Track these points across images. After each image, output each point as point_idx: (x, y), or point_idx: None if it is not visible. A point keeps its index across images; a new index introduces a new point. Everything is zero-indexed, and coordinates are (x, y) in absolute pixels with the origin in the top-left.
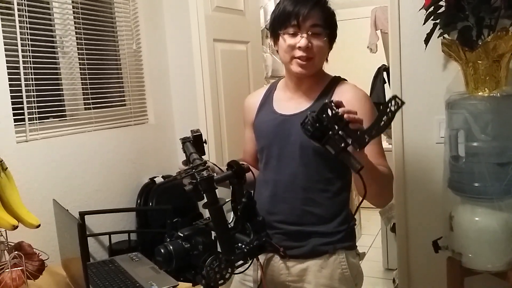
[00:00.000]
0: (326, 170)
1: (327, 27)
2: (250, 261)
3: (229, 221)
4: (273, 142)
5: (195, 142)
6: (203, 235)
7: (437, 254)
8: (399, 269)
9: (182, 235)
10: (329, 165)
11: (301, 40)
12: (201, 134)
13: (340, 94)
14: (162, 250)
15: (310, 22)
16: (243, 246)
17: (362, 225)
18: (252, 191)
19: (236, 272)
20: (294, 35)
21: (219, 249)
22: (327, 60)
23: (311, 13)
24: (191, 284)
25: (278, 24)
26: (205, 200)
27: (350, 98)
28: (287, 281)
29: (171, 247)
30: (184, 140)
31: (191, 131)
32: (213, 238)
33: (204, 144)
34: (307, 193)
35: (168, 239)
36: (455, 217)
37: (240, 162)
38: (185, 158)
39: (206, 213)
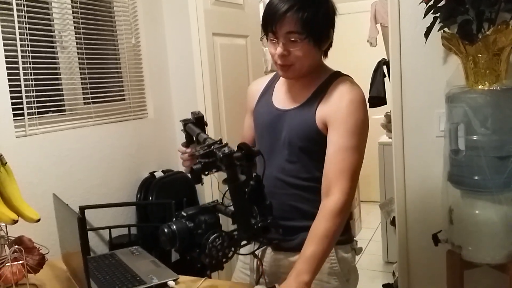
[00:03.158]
0: (314, 169)
1: (307, 32)
2: (257, 246)
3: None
4: (265, 135)
5: (197, 124)
6: (207, 214)
7: (437, 247)
8: (399, 262)
9: (185, 214)
10: (317, 164)
11: (277, 49)
12: (203, 116)
13: (329, 95)
14: (166, 230)
15: (285, 29)
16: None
17: (362, 219)
18: (262, 174)
19: (240, 253)
20: (273, 42)
21: (223, 229)
22: (326, 55)
23: (285, 19)
24: (192, 277)
25: (263, 28)
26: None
27: (336, 101)
28: (279, 272)
29: (174, 227)
30: (185, 122)
31: (192, 113)
32: (217, 217)
33: (205, 126)
34: (295, 190)
35: (174, 219)
36: (454, 211)
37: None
38: (184, 141)
39: None
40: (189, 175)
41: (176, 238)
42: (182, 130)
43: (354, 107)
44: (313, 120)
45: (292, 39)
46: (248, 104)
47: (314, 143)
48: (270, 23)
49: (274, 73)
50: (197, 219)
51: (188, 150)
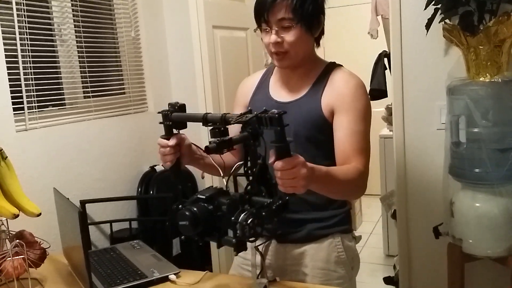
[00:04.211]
0: (321, 158)
1: (298, 18)
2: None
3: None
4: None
5: (183, 112)
6: (225, 195)
7: (437, 240)
8: (400, 256)
9: (203, 197)
10: (324, 153)
11: (271, 36)
12: (184, 104)
13: (333, 83)
14: (187, 213)
15: (277, 16)
16: (268, 204)
17: (363, 212)
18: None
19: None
20: (266, 31)
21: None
22: (318, 44)
23: (276, 6)
24: (193, 271)
25: (255, 20)
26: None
27: (342, 87)
28: (285, 265)
29: (195, 209)
30: (169, 111)
31: (170, 104)
32: (237, 198)
33: None
34: None
35: (180, 205)
36: (455, 203)
37: None
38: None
39: None
40: (168, 169)
41: (199, 221)
42: (162, 122)
43: (360, 93)
44: (319, 109)
45: (285, 25)
46: (241, 99)
47: (321, 132)
48: (261, 12)
49: (266, 69)
50: (217, 201)
51: (171, 143)
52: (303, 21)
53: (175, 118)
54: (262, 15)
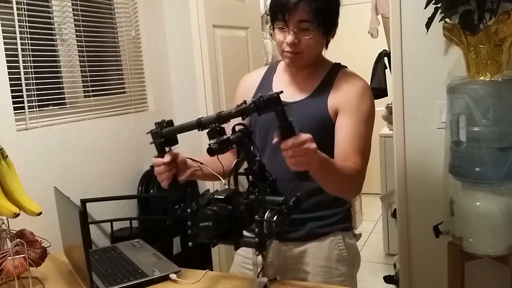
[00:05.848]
0: None
1: (318, 21)
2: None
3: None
4: (270, 129)
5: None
6: (241, 195)
7: (438, 239)
8: (400, 254)
9: (222, 197)
10: (326, 154)
11: (287, 36)
12: (172, 120)
13: (339, 85)
14: (210, 213)
15: (297, 18)
16: (284, 200)
17: (363, 211)
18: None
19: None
20: (282, 29)
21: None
22: (326, 47)
23: (298, 8)
24: (193, 270)
25: (270, 16)
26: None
27: (348, 89)
28: (286, 263)
29: (215, 208)
30: (160, 128)
31: (157, 123)
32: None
33: None
34: (305, 182)
35: (188, 209)
36: (456, 202)
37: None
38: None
39: None
40: (166, 187)
41: (222, 221)
42: (152, 142)
43: (366, 95)
44: (325, 109)
45: (304, 27)
46: (241, 97)
47: (325, 133)
48: (282, 11)
49: (268, 66)
50: (234, 201)
51: (165, 160)
52: (322, 25)
53: (166, 133)
54: (281, 14)
